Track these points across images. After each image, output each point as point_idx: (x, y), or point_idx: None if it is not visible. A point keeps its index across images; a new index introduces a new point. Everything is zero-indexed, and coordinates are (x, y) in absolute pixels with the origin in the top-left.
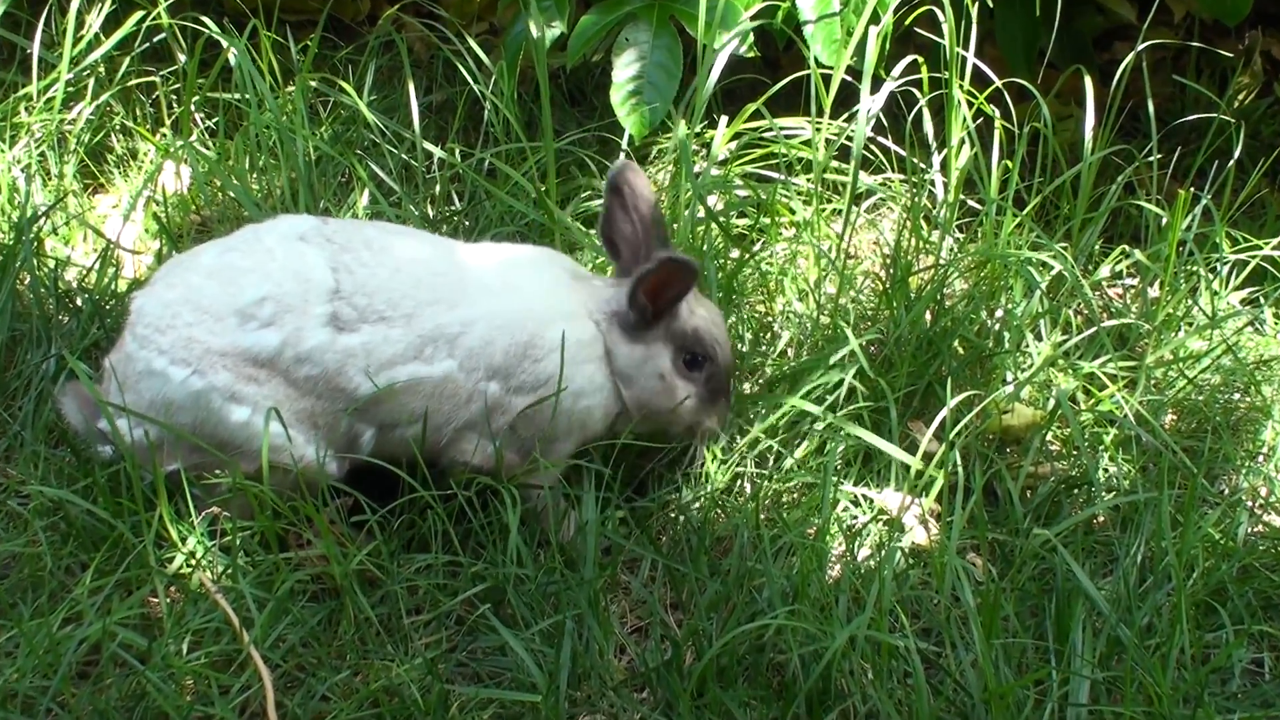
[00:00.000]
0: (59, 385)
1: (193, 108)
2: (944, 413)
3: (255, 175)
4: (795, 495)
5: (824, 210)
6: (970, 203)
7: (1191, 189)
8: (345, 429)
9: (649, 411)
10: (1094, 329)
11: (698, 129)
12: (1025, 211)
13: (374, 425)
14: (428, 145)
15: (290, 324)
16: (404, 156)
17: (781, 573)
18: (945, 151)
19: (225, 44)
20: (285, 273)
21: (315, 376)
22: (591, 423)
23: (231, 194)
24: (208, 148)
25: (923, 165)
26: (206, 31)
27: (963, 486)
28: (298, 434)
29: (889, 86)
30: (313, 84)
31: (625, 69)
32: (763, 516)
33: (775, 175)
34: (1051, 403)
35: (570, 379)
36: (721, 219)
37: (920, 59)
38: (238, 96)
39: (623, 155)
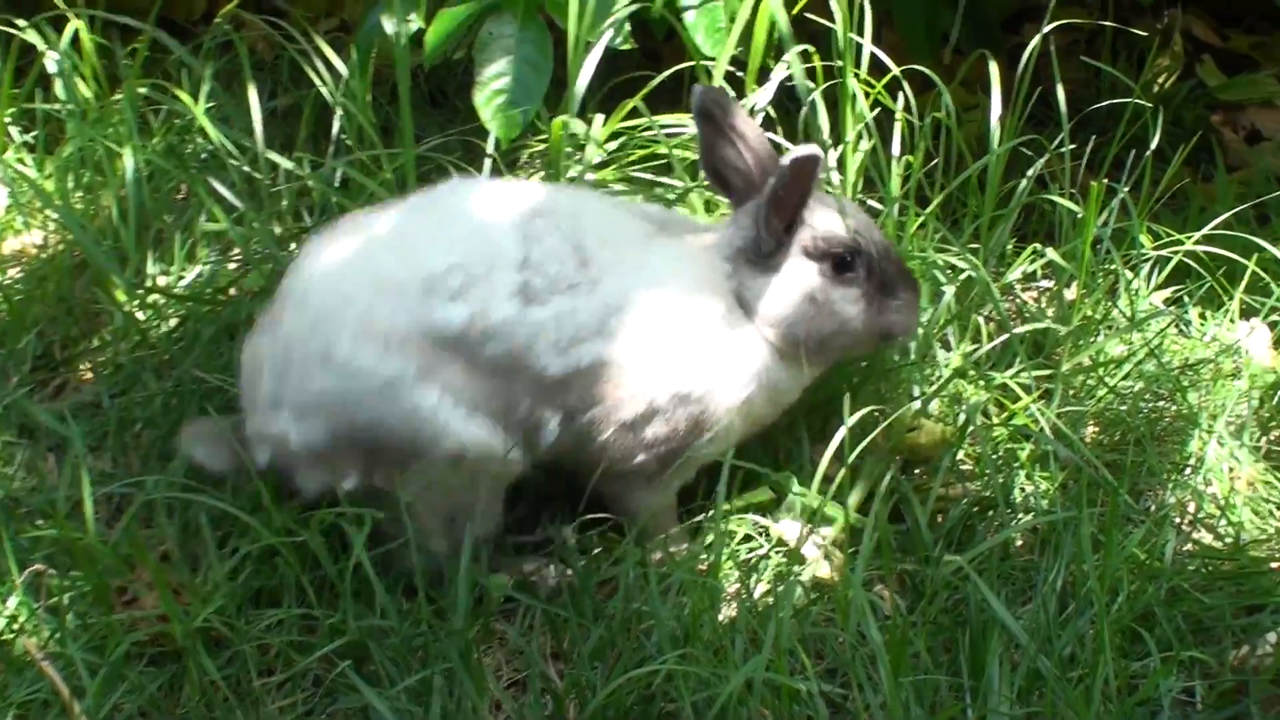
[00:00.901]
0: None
1: (7, 120)
2: (842, 432)
3: (80, 194)
4: (685, 529)
5: (711, 215)
6: (870, 202)
7: (1105, 180)
8: (526, 413)
9: (823, 344)
10: (1006, 336)
11: (572, 130)
12: (929, 209)
13: (560, 411)
14: (272, 155)
15: (480, 297)
16: (246, 169)
17: (671, 614)
18: (841, 147)
19: (42, 48)
20: (473, 241)
21: (501, 356)
22: (754, 413)
23: (53, 215)
24: (25, 165)
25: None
26: (19, 34)
27: (872, 518)
28: (485, 421)
29: (777, 76)
30: (142, 91)
31: (489, 66)
32: (650, 554)
33: (658, 178)
34: (962, 418)
35: (733, 377)
36: None
37: (811, 48)
38: (58, 107)
39: (698, 88)
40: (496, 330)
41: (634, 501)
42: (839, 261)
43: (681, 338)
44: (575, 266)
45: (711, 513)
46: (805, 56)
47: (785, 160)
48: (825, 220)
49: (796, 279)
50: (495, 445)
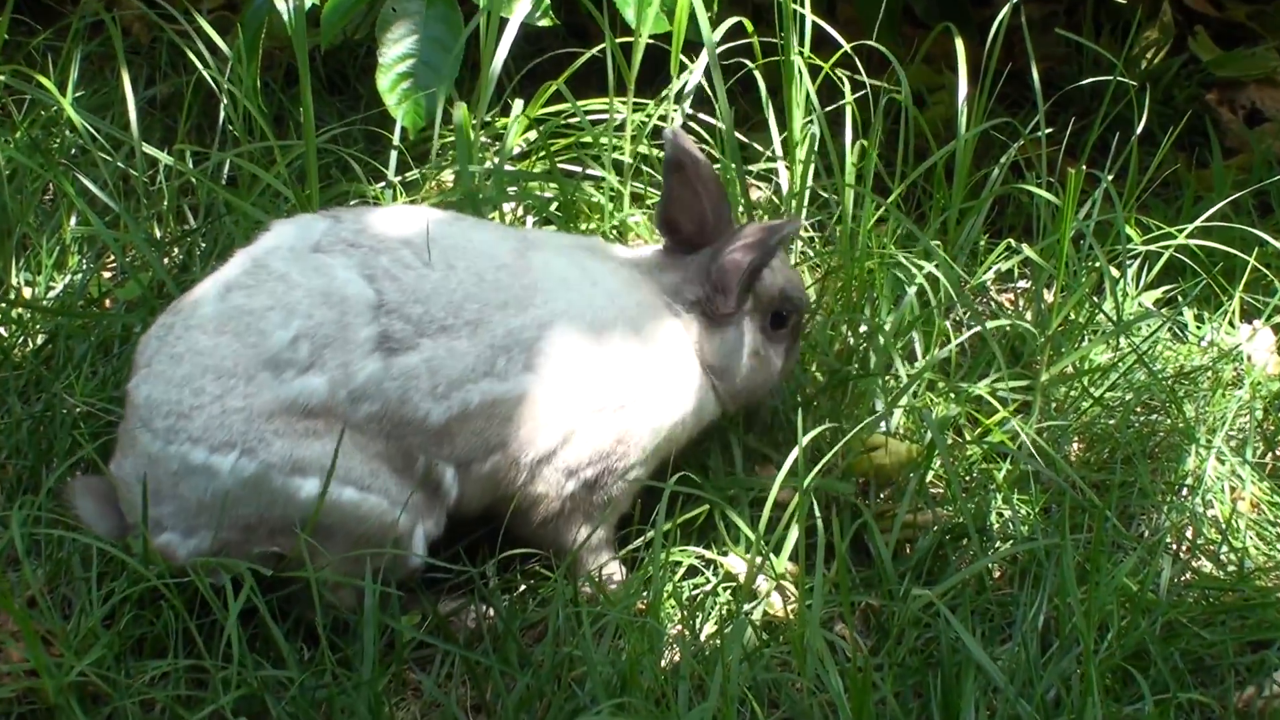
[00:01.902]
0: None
1: None
2: (796, 453)
3: None
4: (620, 563)
5: (643, 209)
6: (822, 193)
7: (1087, 168)
8: (422, 471)
9: (747, 398)
10: (970, 335)
11: (487, 117)
12: (889, 200)
13: (452, 462)
14: (150, 150)
15: (335, 360)
16: (121, 165)
17: (606, 659)
18: (786, 132)
19: None
20: (312, 297)
21: (378, 413)
22: (682, 435)
23: None
24: None
25: (760, 148)
26: None
27: (824, 542)
28: (383, 485)
29: (710, 53)
30: (0, 78)
31: (393, 47)
32: (582, 590)
33: (585, 171)
34: (929, 435)
35: (664, 390)
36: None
37: (746, 21)
38: None
39: (671, 126)
40: (364, 390)
41: (566, 537)
42: (777, 317)
43: (613, 346)
44: (445, 306)
45: (649, 541)
46: (741, 30)
47: (765, 235)
48: (782, 277)
49: (745, 337)
50: (401, 521)
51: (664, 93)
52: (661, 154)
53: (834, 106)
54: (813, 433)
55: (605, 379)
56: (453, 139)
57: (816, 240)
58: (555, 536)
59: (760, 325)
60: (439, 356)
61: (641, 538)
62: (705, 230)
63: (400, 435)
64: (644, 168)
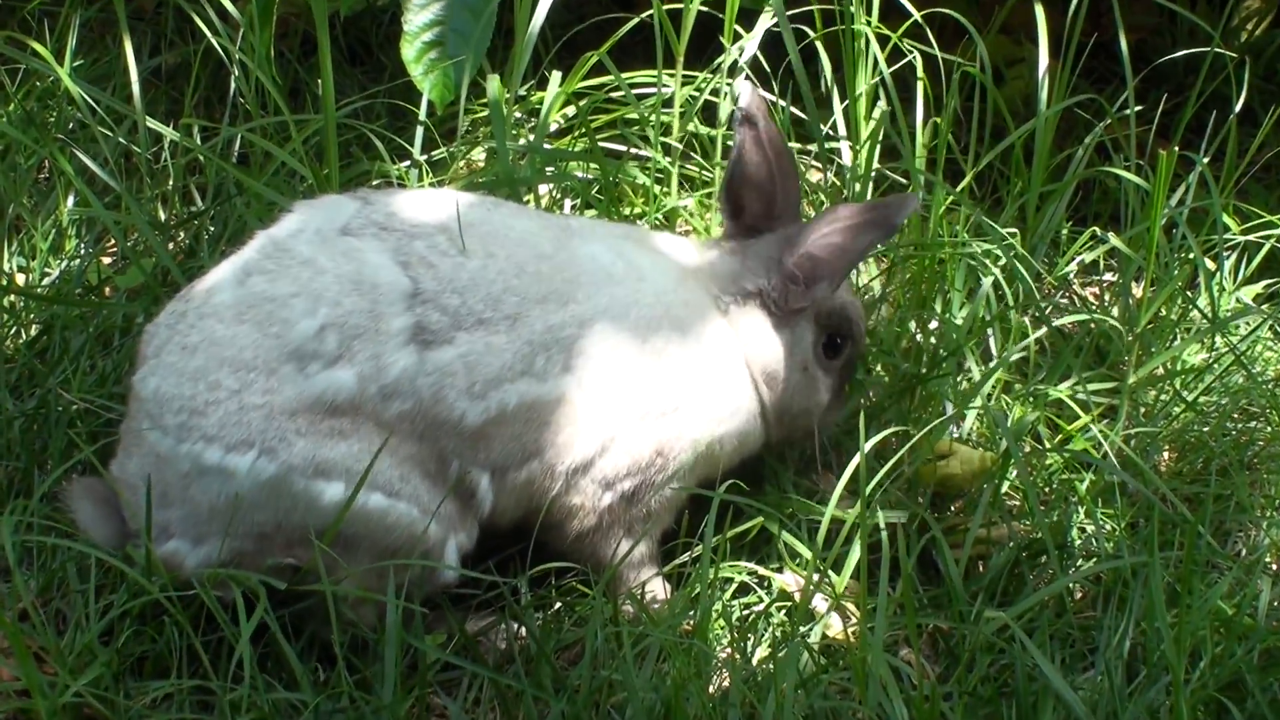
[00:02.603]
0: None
1: None
2: (857, 459)
3: None
4: (664, 580)
5: (693, 193)
6: (891, 176)
7: (1178, 149)
8: (455, 476)
9: (787, 415)
10: (1046, 328)
11: (521, 91)
12: (961, 185)
13: (487, 469)
14: (154, 124)
15: (365, 352)
16: (123, 141)
17: (648, 685)
18: (849, 107)
19: None
20: (341, 284)
21: (410, 411)
22: (726, 450)
23: None
24: None
25: (822, 128)
26: None
27: (888, 559)
28: (413, 491)
29: (767, 22)
30: None
31: (420, 13)
32: (623, 609)
33: (630, 150)
34: (1005, 442)
35: (710, 401)
36: (559, 210)
37: None
38: None
39: (744, 83)
40: (396, 386)
41: (605, 552)
42: (832, 344)
43: (657, 348)
44: (484, 297)
45: (696, 556)
46: None
47: (881, 214)
48: (846, 295)
49: (799, 339)
50: (431, 531)
51: (716, 63)
52: (714, 132)
53: (897, 70)
54: (876, 437)
55: (648, 384)
56: (484, 114)
57: None
58: (593, 551)
59: (814, 340)
60: (476, 352)
61: (688, 552)
62: (771, 210)
63: (434, 437)
64: (694, 147)
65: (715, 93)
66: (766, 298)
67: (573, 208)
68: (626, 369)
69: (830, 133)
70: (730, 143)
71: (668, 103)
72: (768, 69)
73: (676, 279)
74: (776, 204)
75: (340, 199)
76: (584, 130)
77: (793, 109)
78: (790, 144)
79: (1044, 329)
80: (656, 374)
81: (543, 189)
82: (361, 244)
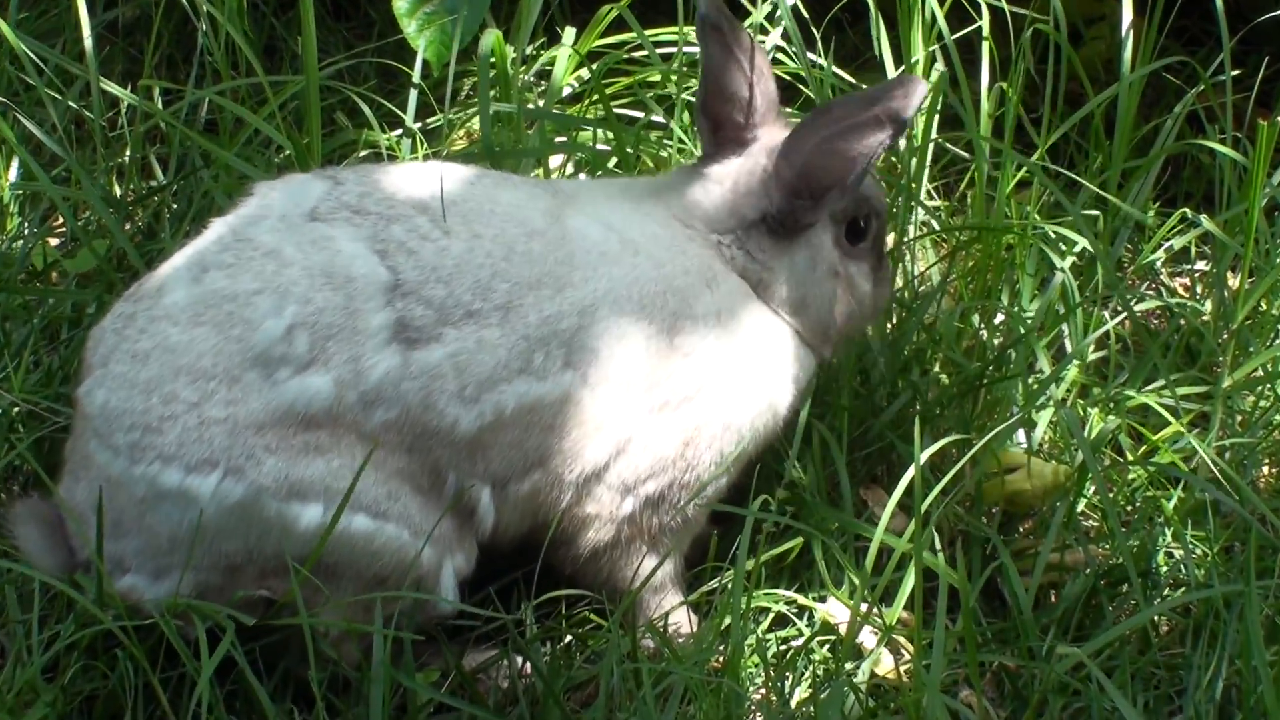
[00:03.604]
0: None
1: None
2: (912, 471)
3: None
4: (691, 609)
5: None
6: (952, 149)
7: (1278, 119)
8: (452, 492)
9: (834, 329)
10: (1120, 322)
11: (529, 49)
12: (1033, 158)
13: (487, 481)
14: (110, 86)
15: (341, 353)
16: (73, 104)
17: None
18: (904, 69)
19: None
20: (310, 277)
21: (395, 420)
22: (773, 422)
23: None
24: None
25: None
26: None
27: (947, 587)
28: (403, 511)
29: None
30: None
31: None
32: (642, 642)
33: (650, 118)
34: (1081, 454)
35: (737, 374)
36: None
37: None
38: None
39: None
40: (379, 392)
41: (623, 574)
42: (855, 227)
43: (666, 328)
44: (472, 285)
45: (727, 582)
46: None
47: (889, 107)
48: None
49: (818, 250)
50: (424, 555)
51: (748, 21)
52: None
53: (965, 34)
54: (933, 447)
55: (660, 370)
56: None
57: (942, 209)
58: (610, 572)
59: (835, 237)
60: (467, 349)
61: (717, 578)
62: (751, 117)
63: (425, 448)
64: None
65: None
66: (771, 220)
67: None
68: (634, 357)
69: None
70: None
71: (692, 63)
72: (811, 27)
73: (670, 243)
74: (756, 109)
75: (306, 179)
76: (599, 95)
77: (839, 72)
78: None
79: (1127, 324)
80: (668, 357)
81: (553, 161)
82: (332, 230)
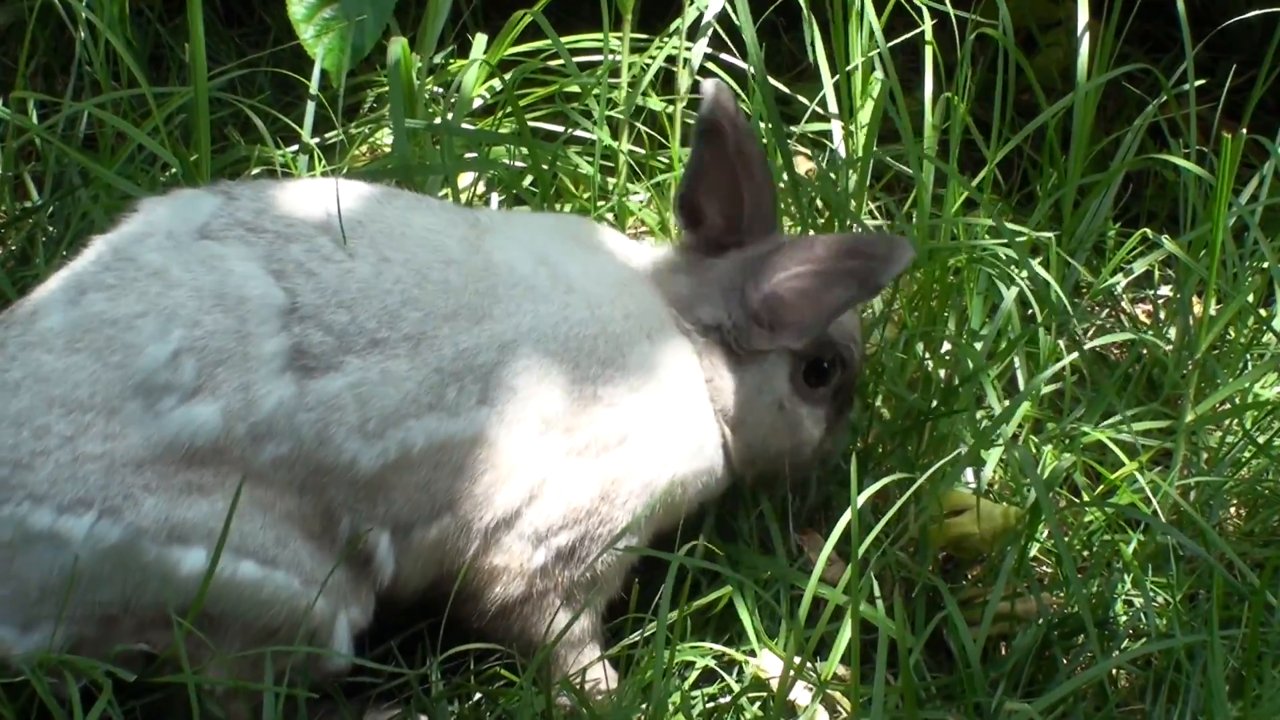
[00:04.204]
0: None
1: None
2: (849, 516)
3: None
4: (609, 664)
5: (645, 186)
6: (894, 165)
7: (1248, 132)
8: (347, 537)
9: (762, 459)
10: (1075, 356)
11: (437, 58)
12: (982, 174)
13: (387, 526)
14: None
15: (231, 381)
16: None
17: None
18: (840, 78)
19: None
20: (199, 299)
21: (287, 456)
22: (687, 501)
23: None
24: None
25: (807, 103)
26: None
27: (888, 638)
28: (293, 557)
29: None
30: None
31: None
32: (558, 701)
33: (570, 131)
34: (1033, 494)
35: (664, 432)
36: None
37: None
38: None
39: (711, 86)
40: (270, 425)
41: (536, 628)
42: (815, 367)
43: (592, 373)
44: (378, 312)
45: (650, 635)
46: None
47: (868, 267)
48: None
49: (769, 378)
50: (317, 606)
51: (673, 25)
52: (672, 109)
53: (908, 39)
54: (872, 488)
55: (583, 414)
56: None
57: (885, 229)
58: (521, 628)
59: (790, 372)
60: (370, 381)
61: (639, 630)
62: (736, 225)
63: (318, 488)
64: (647, 127)
65: (672, 59)
66: (728, 334)
67: (501, 203)
68: (555, 398)
69: (819, 111)
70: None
71: (615, 73)
72: (738, 33)
73: (615, 287)
74: (744, 218)
75: (196, 194)
76: (513, 107)
77: (773, 82)
78: (770, 123)
79: (1082, 354)
80: (590, 405)
81: (463, 180)
82: (224, 249)
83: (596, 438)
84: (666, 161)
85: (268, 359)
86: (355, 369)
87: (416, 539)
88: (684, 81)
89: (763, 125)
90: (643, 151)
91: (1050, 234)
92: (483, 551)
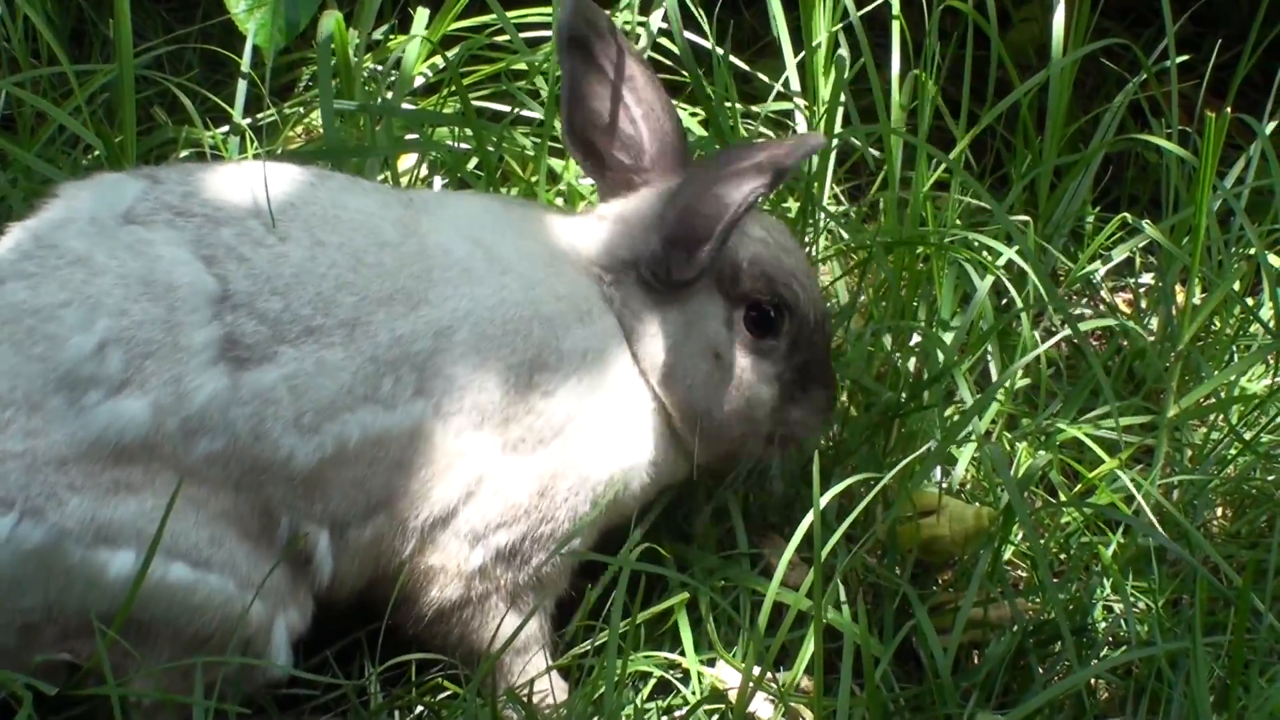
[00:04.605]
0: None
1: None
2: (811, 517)
3: None
4: (560, 673)
5: None
6: (860, 146)
7: (1232, 111)
8: (286, 537)
9: (709, 423)
10: (1051, 342)
11: (376, 34)
12: (953, 154)
13: (325, 525)
14: None
15: (160, 373)
16: None
17: None
18: (805, 56)
19: None
20: (125, 287)
21: (221, 452)
22: (632, 495)
23: None
24: None
25: (769, 81)
26: None
27: (854, 647)
28: (228, 559)
29: None
30: None
31: None
32: (504, 714)
33: (516, 111)
34: (1007, 494)
35: (603, 422)
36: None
37: None
38: None
39: None
40: (203, 419)
41: (478, 634)
42: (760, 316)
43: (529, 360)
44: (312, 299)
45: (601, 643)
46: None
47: (787, 158)
48: (754, 247)
49: (696, 319)
50: (253, 611)
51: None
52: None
53: (869, 9)
54: (837, 487)
55: (519, 405)
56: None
57: (852, 214)
58: (461, 633)
59: (726, 317)
60: (305, 372)
61: (590, 638)
62: (640, 158)
63: (255, 485)
64: None
65: (625, 33)
66: (644, 268)
67: (444, 187)
68: (491, 387)
69: (782, 90)
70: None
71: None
72: (699, 9)
73: (545, 265)
74: (644, 149)
75: (120, 178)
76: (457, 86)
77: (735, 60)
78: (732, 105)
79: (1059, 345)
80: (526, 393)
81: (404, 163)
82: (151, 234)
83: (533, 429)
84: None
85: (199, 349)
86: (290, 359)
87: (353, 537)
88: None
89: (727, 106)
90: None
91: (1024, 218)
92: (419, 551)
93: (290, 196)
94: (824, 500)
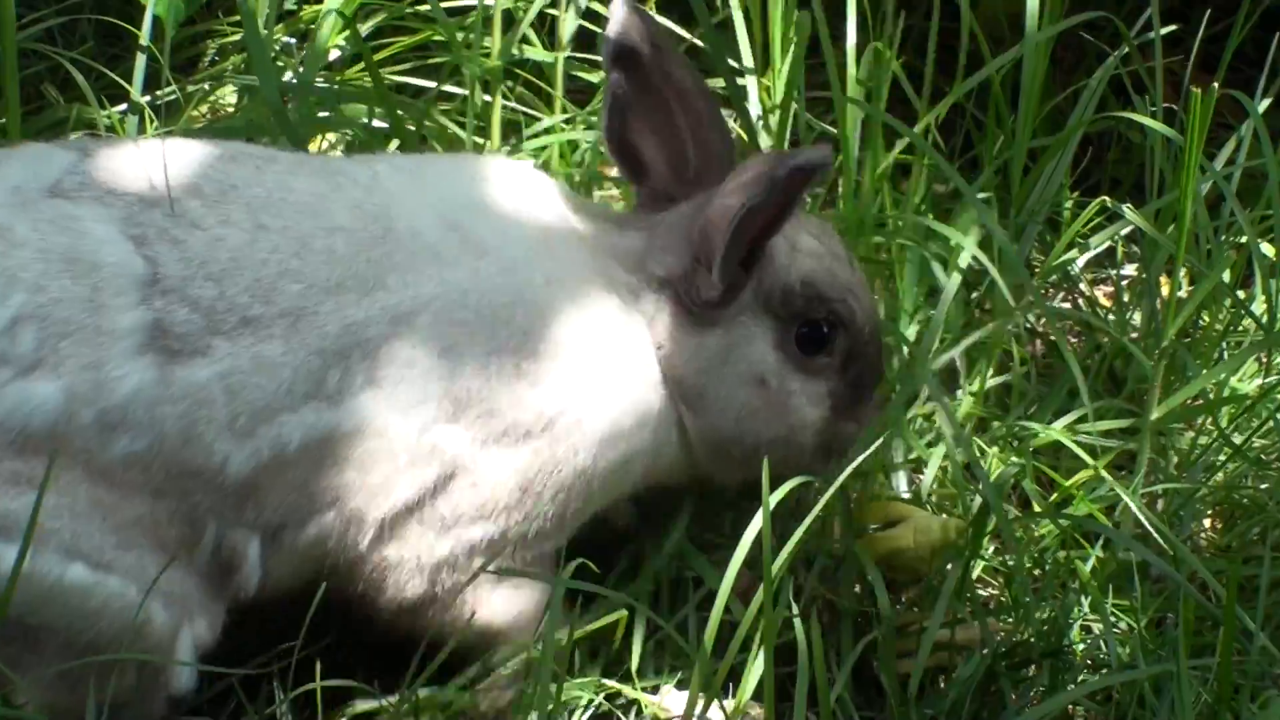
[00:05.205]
0: None
1: None
2: (759, 523)
3: None
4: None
5: (521, 148)
6: (818, 124)
7: (1220, 87)
8: (213, 543)
9: (738, 448)
10: (1001, 346)
11: (289, 3)
12: (918, 127)
13: (257, 530)
14: None
15: (78, 357)
16: None
17: None
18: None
19: None
20: (46, 262)
21: (143, 454)
22: (624, 483)
23: None
24: None
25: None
26: None
27: (808, 670)
28: (133, 563)
29: None
30: None
31: None
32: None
33: (439, 87)
34: (978, 502)
35: (596, 414)
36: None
37: None
38: None
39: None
40: (125, 414)
41: (453, 634)
42: (811, 333)
43: (510, 344)
44: (250, 286)
45: (532, 667)
46: None
47: (776, 167)
48: (807, 263)
49: (741, 344)
50: (156, 619)
51: None
52: (551, 56)
53: None
54: (784, 488)
55: (501, 396)
56: (236, 37)
57: (806, 199)
58: (428, 636)
59: (777, 339)
60: (240, 368)
61: (518, 656)
62: (683, 171)
63: (181, 492)
64: (525, 78)
65: (554, 3)
66: (681, 286)
67: None
68: (467, 374)
69: (735, 65)
70: (604, 87)
71: (489, 18)
72: None
73: (536, 247)
74: (690, 160)
75: (50, 148)
76: (375, 59)
77: (682, 32)
78: None
79: (1034, 342)
80: (511, 382)
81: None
82: (78, 209)
83: (518, 422)
84: (539, 118)
85: (123, 335)
86: (224, 354)
87: (289, 541)
88: (568, 27)
89: None
90: (519, 108)
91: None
92: (377, 542)
93: (232, 177)
94: (775, 499)
